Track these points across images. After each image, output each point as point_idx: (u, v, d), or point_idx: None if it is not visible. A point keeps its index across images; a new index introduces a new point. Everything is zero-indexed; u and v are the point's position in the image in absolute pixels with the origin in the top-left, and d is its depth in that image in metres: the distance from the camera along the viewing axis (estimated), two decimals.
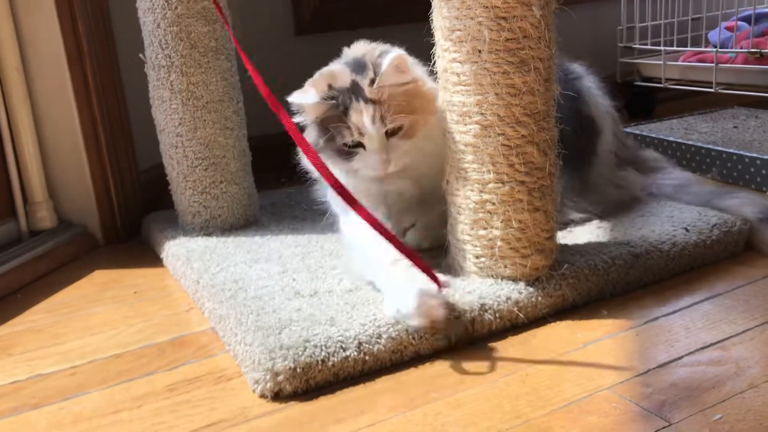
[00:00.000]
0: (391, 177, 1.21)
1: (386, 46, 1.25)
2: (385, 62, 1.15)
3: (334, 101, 1.18)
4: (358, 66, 1.20)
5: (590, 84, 1.45)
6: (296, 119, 1.21)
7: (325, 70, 1.23)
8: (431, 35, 1.17)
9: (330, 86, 1.19)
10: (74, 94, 1.61)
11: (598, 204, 1.43)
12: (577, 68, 1.48)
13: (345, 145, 1.19)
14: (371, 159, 1.18)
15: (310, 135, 1.22)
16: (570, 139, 1.25)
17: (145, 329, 1.24)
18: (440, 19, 1.12)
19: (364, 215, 1.07)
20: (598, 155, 1.44)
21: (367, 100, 1.16)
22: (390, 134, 1.17)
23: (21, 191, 1.61)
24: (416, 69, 1.22)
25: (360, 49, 1.26)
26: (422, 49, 1.23)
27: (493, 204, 1.13)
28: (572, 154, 1.23)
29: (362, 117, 1.16)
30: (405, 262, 1.09)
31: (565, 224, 1.38)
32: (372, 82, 1.17)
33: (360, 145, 1.18)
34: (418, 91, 1.19)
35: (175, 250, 1.46)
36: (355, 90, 1.17)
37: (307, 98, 1.19)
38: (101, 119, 1.63)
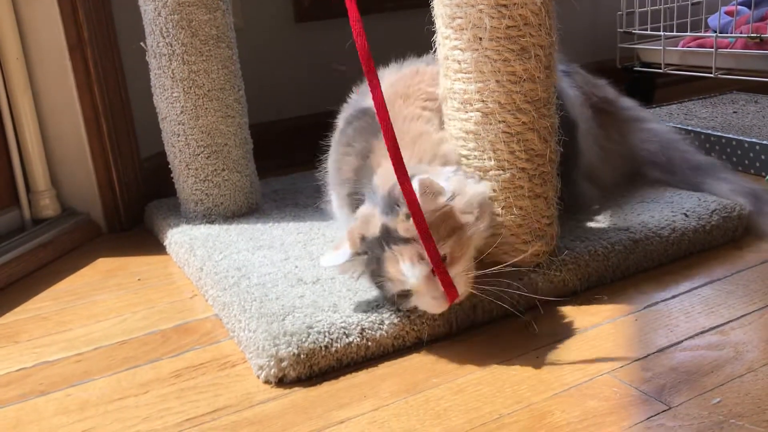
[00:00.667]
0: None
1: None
2: (417, 186, 0.99)
3: (366, 255, 1.05)
4: (386, 205, 1.04)
5: (564, 81, 1.36)
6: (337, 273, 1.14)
7: (356, 219, 1.11)
8: (432, 23, 1.18)
9: (363, 237, 1.05)
10: (75, 82, 1.61)
11: (591, 198, 1.42)
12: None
13: (395, 294, 1.05)
14: (425, 302, 1.03)
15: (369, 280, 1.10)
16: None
17: (149, 316, 1.25)
18: (441, 6, 1.12)
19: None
20: (581, 151, 1.38)
21: (401, 241, 1.01)
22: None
23: (24, 180, 1.61)
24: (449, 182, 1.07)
25: (382, 180, 1.10)
26: (423, 37, 1.23)
27: (494, 191, 1.14)
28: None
29: (398, 265, 1.01)
30: None
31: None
32: (404, 218, 1.01)
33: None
34: (449, 211, 1.04)
35: (178, 237, 1.47)
36: (385, 235, 1.02)
37: (337, 260, 1.06)
38: (103, 107, 1.64)
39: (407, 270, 1.00)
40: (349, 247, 1.05)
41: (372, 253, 1.04)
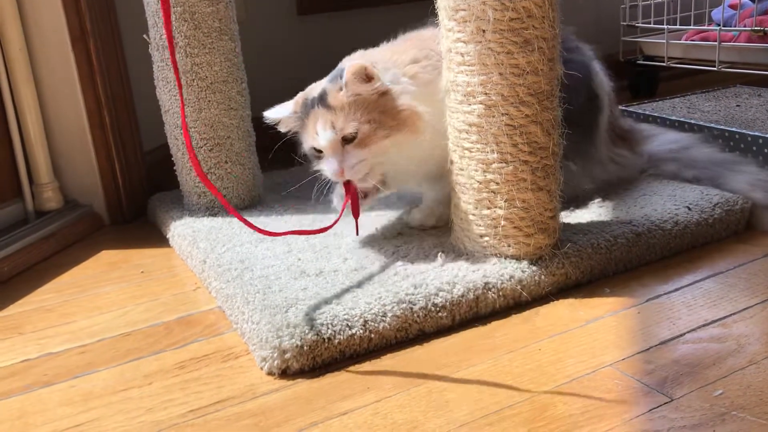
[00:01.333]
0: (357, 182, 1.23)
1: (375, 56, 1.27)
2: (346, 70, 1.17)
3: (298, 114, 1.24)
4: (334, 76, 1.23)
5: (597, 64, 1.47)
6: (280, 129, 1.29)
7: (310, 86, 1.29)
8: (435, 15, 1.17)
9: (305, 99, 1.25)
10: (78, 74, 1.61)
11: (597, 176, 1.45)
12: (588, 49, 1.48)
13: (313, 149, 1.23)
14: (326, 163, 1.21)
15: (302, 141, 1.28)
16: (580, 110, 1.33)
17: (152, 308, 1.25)
18: None
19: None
20: (599, 130, 1.46)
21: (326, 107, 1.19)
22: (345, 141, 1.19)
23: (27, 172, 1.62)
24: (394, 85, 1.21)
25: (351, 60, 1.28)
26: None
27: (497, 183, 1.14)
28: (581, 124, 1.31)
29: (317, 122, 1.19)
30: None
31: (570, 199, 1.40)
32: (340, 89, 1.19)
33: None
34: (380, 103, 1.19)
35: (181, 230, 1.48)
36: (321, 98, 1.21)
37: (276, 113, 1.27)
38: (106, 99, 1.64)
39: (320, 128, 1.18)
40: (292, 105, 1.26)
41: (303, 111, 1.23)
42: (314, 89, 1.25)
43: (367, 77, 1.17)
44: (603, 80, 1.46)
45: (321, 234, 1.38)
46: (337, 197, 1.35)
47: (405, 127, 1.19)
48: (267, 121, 1.28)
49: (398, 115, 1.19)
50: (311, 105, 1.22)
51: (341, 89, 1.19)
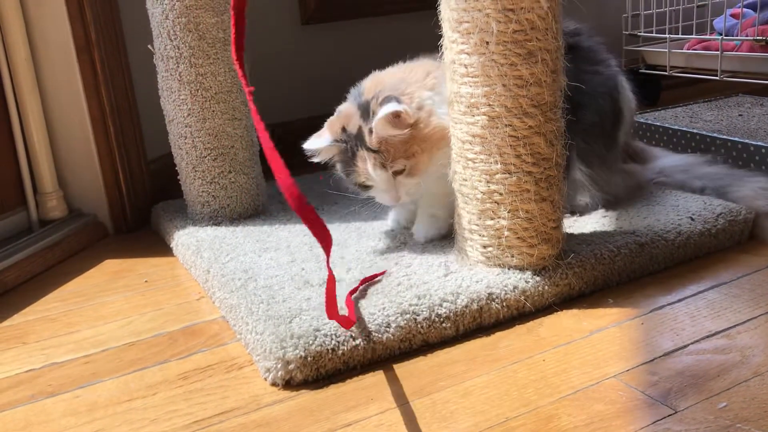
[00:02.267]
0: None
1: (393, 80, 1.29)
2: (377, 118, 1.20)
3: (344, 145, 1.27)
4: (365, 111, 1.25)
5: (624, 80, 1.49)
6: (315, 160, 1.30)
7: (341, 111, 1.31)
8: (438, 26, 1.18)
9: (344, 128, 1.27)
10: (83, 84, 1.62)
11: (611, 188, 1.45)
12: (616, 63, 1.51)
13: (359, 185, 1.30)
14: (382, 196, 1.29)
15: (340, 168, 1.33)
16: (603, 116, 1.40)
17: (156, 318, 1.26)
18: (448, 10, 1.13)
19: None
20: (617, 143, 1.48)
21: (368, 149, 1.23)
22: (395, 174, 1.25)
23: (31, 181, 1.62)
24: (420, 111, 1.24)
25: (371, 85, 1.30)
26: (428, 39, 1.24)
27: (501, 194, 1.14)
28: (601, 131, 1.36)
29: (366, 164, 1.24)
30: None
31: (578, 209, 1.42)
32: (371, 131, 1.23)
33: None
34: (417, 136, 1.23)
35: (185, 239, 1.48)
36: (359, 137, 1.25)
37: (319, 143, 1.28)
38: (110, 109, 1.64)
39: (371, 171, 1.24)
40: (329, 135, 1.27)
41: (348, 145, 1.26)
42: (349, 118, 1.27)
43: (395, 117, 1.21)
44: (628, 96, 1.48)
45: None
46: (393, 221, 1.45)
47: (442, 144, 1.24)
48: (306, 153, 1.29)
49: (432, 136, 1.24)
50: (355, 144, 1.25)
51: (371, 132, 1.22)
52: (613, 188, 1.45)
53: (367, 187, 1.29)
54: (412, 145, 1.23)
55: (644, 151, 1.64)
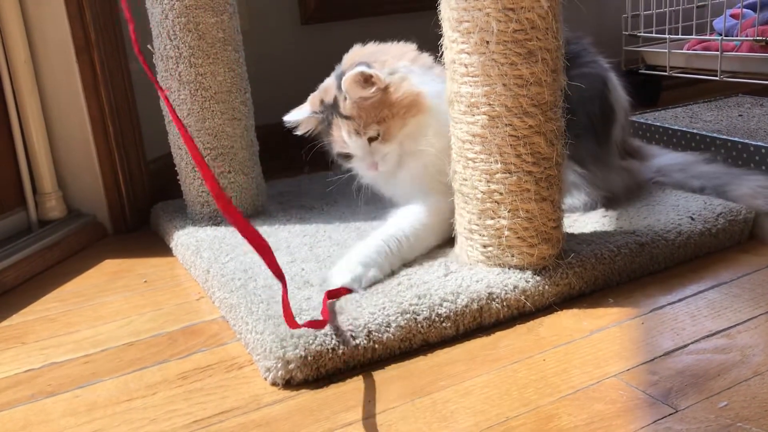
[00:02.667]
0: (386, 174, 1.33)
1: (371, 51, 1.35)
2: (345, 77, 1.25)
3: (322, 115, 1.33)
4: (340, 81, 1.28)
5: (614, 77, 1.49)
6: (297, 132, 1.37)
7: (322, 85, 1.36)
8: (438, 26, 1.18)
9: (322, 101, 1.33)
10: (82, 84, 1.62)
11: (609, 186, 1.45)
12: (605, 62, 1.51)
13: (339, 154, 1.34)
14: (360, 165, 1.33)
15: (326, 142, 1.36)
16: (594, 116, 1.40)
17: (156, 318, 1.25)
18: (448, 10, 1.13)
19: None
20: (611, 141, 1.48)
21: (342, 116, 1.28)
22: (371, 140, 1.28)
23: (30, 181, 1.62)
24: (392, 76, 1.29)
25: (349, 58, 1.36)
26: (428, 39, 1.24)
27: (501, 194, 1.14)
28: (594, 131, 1.37)
29: (341, 132, 1.29)
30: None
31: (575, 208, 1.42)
32: (345, 98, 1.28)
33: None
34: (387, 100, 1.26)
35: (185, 239, 1.48)
36: (335, 106, 1.30)
37: (298, 116, 1.35)
38: (109, 109, 1.64)
39: (347, 137, 1.28)
40: (309, 107, 1.34)
41: (325, 116, 1.31)
42: (327, 91, 1.32)
43: (365, 81, 1.25)
44: (620, 94, 1.48)
45: (324, 244, 1.38)
46: None
47: (414, 110, 1.27)
48: (287, 125, 1.35)
49: (404, 102, 1.27)
50: (330, 113, 1.30)
51: (345, 99, 1.27)
52: (611, 186, 1.45)
53: (348, 157, 1.32)
54: (382, 110, 1.26)
55: (642, 148, 1.64)
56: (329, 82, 1.35)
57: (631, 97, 1.64)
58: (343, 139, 1.29)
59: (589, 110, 1.40)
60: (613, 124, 1.46)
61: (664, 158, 1.63)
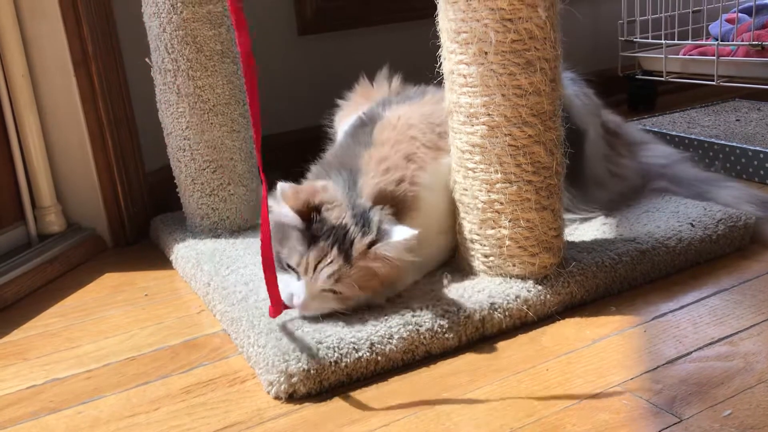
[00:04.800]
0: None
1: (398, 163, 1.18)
2: (394, 240, 1.06)
3: (313, 224, 1.09)
4: (362, 216, 1.09)
5: (567, 88, 1.40)
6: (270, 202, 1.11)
7: (323, 185, 1.14)
8: (436, 37, 1.18)
9: (317, 208, 1.10)
10: (80, 97, 1.62)
11: (597, 201, 1.45)
12: (567, 77, 1.47)
13: (286, 262, 1.10)
14: (293, 290, 1.08)
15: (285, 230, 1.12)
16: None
17: (157, 332, 1.25)
18: (446, 21, 1.13)
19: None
20: (587, 157, 1.44)
21: (343, 253, 1.06)
22: (325, 288, 1.08)
23: (29, 196, 1.62)
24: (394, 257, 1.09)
25: (370, 165, 1.17)
26: (426, 49, 1.24)
27: (501, 203, 1.14)
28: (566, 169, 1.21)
29: (320, 259, 1.06)
30: None
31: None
32: (371, 244, 1.07)
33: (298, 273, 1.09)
34: (386, 275, 1.10)
35: (185, 252, 1.48)
36: (339, 234, 1.07)
37: (283, 213, 1.10)
38: (108, 122, 1.64)
39: (321, 274, 1.06)
40: (302, 203, 1.09)
41: (314, 226, 1.08)
42: (333, 208, 1.10)
43: (384, 259, 1.08)
44: (576, 103, 1.43)
45: None
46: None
47: (383, 279, 1.11)
48: (277, 191, 1.11)
49: (386, 279, 1.11)
50: (325, 233, 1.07)
51: (364, 234, 1.07)
52: (599, 201, 1.44)
53: (285, 270, 1.10)
54: (373, 279, 1.09)
55: (627, 135, 1.61)
56: (338, 196, 1.12)
57: (627, 103, 1.64)
58: (315, 270, 1.06)
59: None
60: (585, 143, 1.42)
61: (650, 153, 1.61)
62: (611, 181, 1.50)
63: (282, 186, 1.10)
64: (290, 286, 1.09)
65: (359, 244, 1.07)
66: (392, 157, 1.19)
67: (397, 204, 1.14)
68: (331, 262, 1.06)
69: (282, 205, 1.10)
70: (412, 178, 1.18)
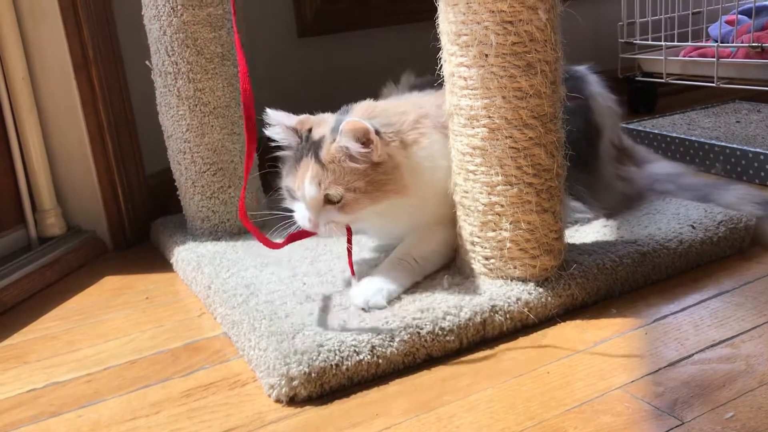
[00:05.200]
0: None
1: (393, 113, 1.24)
2: (345, 123, 1.14)
3: (298, 142, 1.21)
4: (337, 124, 1.18)
5: (593, 86, 1.47)
6: (266, 131, 1.24)
7: (319, 116, 1.26)
8: (436, 39, 1.18)
9: (310, 129, 1.22)
10: (81, 100, 1.62)
11: (606, 201, 1.45)
12: (581, 70, 1.49)
13: (289, 190, 1.21)
14: (302, 213, 1.19)
15: (283, 165, 1.26)
16: (576, 141, 1.26)
17: (158, 335, 1.25)
18: (446, 23, 1.13)
19: None
20: (601, 156, 1.47)
21: (318, 161, 1.17)
22: (328, 201, 1.17)
23: (30, 199, 1.62)
24: (391, 147, 1.19)
25: (363, 109, 1.25)
26: (426, 50, 1.24)
27: (502, 206, 1.14)
28: (578, 157, 1.25)
29: (306, 172, 1.17)
30: None
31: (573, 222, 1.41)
32: (332, 141, 1.17)
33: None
34: (375, 174, 1.17)
35: (185, 255, 1.47)
36: (318, 145, 1.18)
37: (283, 119, 1.23)
38: (108, 125, 1.64)
39: (307, 181, 1.16)
40: (295, 121, 1.23)
41: (302, 146, 1.21)
42: (320, 124, 1.23)
43: (365, 140, 1.15)
44: (601, 104, 1.46)
45: (325, 257, 1.38)
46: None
47: (391, 197, 1.19)
48: (266, 117, 1.23)
49: (385, 187, 1.18)
50: (308, 149, 1.19)
51: (332, 142, 1.17)
52: (608, 201, 1.44)
53: (293, 199, 1.21)
54: (360, 180, 1.16)
55: (635, 151, 1.63)
56: (326, 117, 1.25)
57: (628, 105, 1.65)
58: (303, 183, 1.16)
59: (575, 145, 1.26)
60: (600, 141, 1.45)
61: (656, 167, 1.63)
62: (618, 183, 1.50)
63: (271, 111, 1.23)
64: (298, 212, 1.20)
65: (326, 146, 1.17)
66: (399, 111, 1.26)
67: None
68: (309, 170, 1.16)
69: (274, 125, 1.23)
70: (412, 128, 1.23)
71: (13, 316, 1.39)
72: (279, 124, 1.23)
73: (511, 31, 1.07)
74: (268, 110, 1.23)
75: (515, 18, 1.07)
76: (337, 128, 1.16)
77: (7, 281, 1.44)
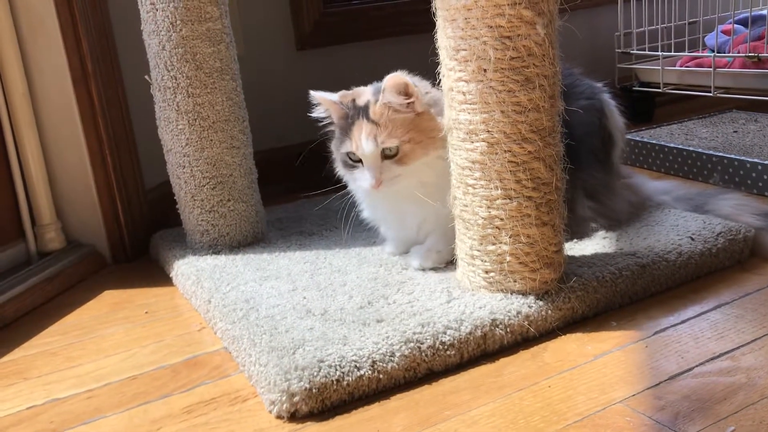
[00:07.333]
0: (385, 192, 1.30)
1: (417, 81, 1.33)
2: (389, 77, 1.25)
3: (347, 110, 1.32)
4: (377, 90, 1.30)
5: (610, 101, 1.50)
6: (313, 113, 1.36)
7: (357, 89, 1.37)
8: (435, 53, 1.19)
9: (353, 100, 1.32)
10: (80, 115, 1.62)
11: (617, 205, 1.47)
12: (599, 86, 1.52)
13: (348, 155, 1.30)
14: (364, 173, 1.29)
15: (334, 142, 1.36)
16: (595, 146, 1.41)
17: (158, 350, 1.25)
18: (445, 38, 1.14)
19: None
20: (613, 165, 1.50)
21: (369, 120, 1.27)
22: (385, 157, 1.27)
23: (29, 213, 1.62)
24: (426, 99, 1.29)
25: (394, 77, 1.31)
26: (424, 63, 1.24)
27: (502, 219, 1.15)
28: (597, 160, 1.37)
29: (361, 132, 1.27)
30: None
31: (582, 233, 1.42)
32: (376, 101, 1.27)
33: (360, 161, 1.29)
34: (418, 125, 1.27)
35: (185, 269, 1.47)
36: (365, 109, 1.29)
37: (326, 95, 1.33)
38: (107, 139, 1.64)
39: (364, 139, 1.26)
40: (338, 96, 1.33)
41: (351, 114, 1.30)
42: (360, 94, 1.33)
43: (406, 93, 1.26)
44: (616, 118, 1.49)
45: (325, 271, 1.38)
46: (392, 246, 1.44)
47: (438, 143, 1.26)
48: (312, 98, 1.34)
49: (432, 131, 1.26)
50: (357, 113, 1.29)
51: (377, 103, 1.27)
52: (618, 211, 1.46)
53: (353, 166, 1.31)
54: (409, 130, 1.26)
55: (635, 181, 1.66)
56: (363, 89, 1.35)
57: (625, 115, 1.65)
58: (360, 141, 1.26)
59: (591, 143, 1.41)
60: (613, 149, 1.48)
61: (654, 183, 1.65)
62: (624, 191, 1.52)
63: (314, 92, 1.35)
64: (360, 175, 1.29)
65: (372, 107, 1.28)
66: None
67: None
68: (363, 129, 1.26)
69: (332, 95, 1.33)
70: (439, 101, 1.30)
71: (13, 331, 1.39)
72: (323, 101, 1.33)
73: (510, 46, 1.08)
74: (311, 92, 1.34)
75: (513, 33, 1.07)
76: (378, 92, 1.28)
77: (6, 296, 1.44)
